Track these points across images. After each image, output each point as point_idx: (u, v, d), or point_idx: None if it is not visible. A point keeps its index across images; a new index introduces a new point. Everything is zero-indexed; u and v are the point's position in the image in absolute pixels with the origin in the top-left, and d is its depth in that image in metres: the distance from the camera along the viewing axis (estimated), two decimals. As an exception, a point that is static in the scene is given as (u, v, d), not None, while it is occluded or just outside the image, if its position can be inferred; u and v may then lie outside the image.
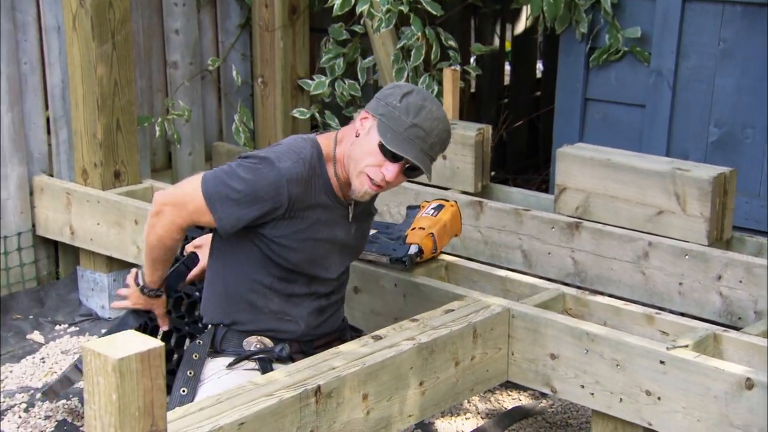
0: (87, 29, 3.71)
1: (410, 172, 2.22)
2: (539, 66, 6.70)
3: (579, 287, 3.10)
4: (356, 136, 2.23)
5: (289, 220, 2.21)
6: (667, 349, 2.39)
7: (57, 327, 3.87)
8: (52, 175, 4.04)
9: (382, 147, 2.17)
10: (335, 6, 4.09)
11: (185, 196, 2.22)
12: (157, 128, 4.23)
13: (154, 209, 2.26)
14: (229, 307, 2.33)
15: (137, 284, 2.42)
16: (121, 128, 3.86)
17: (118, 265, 3.94)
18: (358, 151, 2.20)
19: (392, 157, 2.18)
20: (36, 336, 3.79)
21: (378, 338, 2.37)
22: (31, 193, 4.00)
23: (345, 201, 2.31)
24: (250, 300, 2.31)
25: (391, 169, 2.18)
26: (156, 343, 1.60)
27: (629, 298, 3.14)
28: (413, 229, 2.90)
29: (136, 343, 1.59)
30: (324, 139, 2.30)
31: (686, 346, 2.39)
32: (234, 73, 4.56)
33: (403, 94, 2.19)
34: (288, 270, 2.29)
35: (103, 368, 1.56)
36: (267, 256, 2.25)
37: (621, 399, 2.45)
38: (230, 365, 2.31)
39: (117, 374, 1.54)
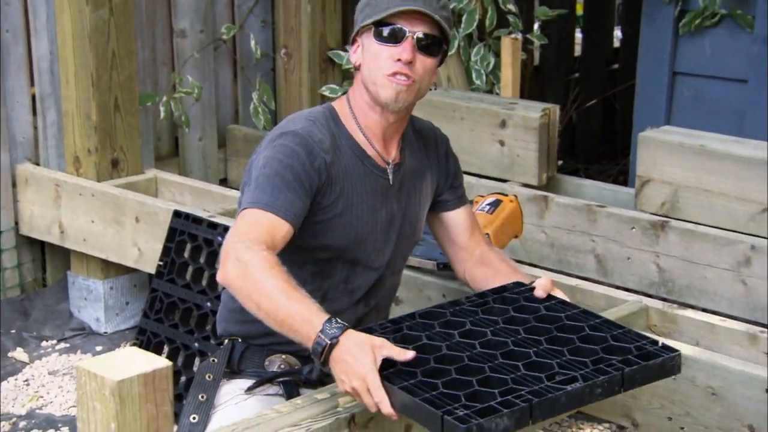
0: (80, -9, 3.76)
1: (428, 47, 2.28)
2: (617, 33, 6.65)
3: (665, 299, 3.07)
4: (358, 68, 2.35)
5: (329, 185, 2.28)
6: (774, 375, 2.36)
7: (43, 343, 3.92)
8: (38, 164, 4.09)
9: (376, 33, 2.28)
10: (373, -38, 4.09)
11: (246, 226, 2.18)
12: (162, 108, 4.26)
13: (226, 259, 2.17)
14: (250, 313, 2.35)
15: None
16: (119, 108, 3.90)
17: (115, 271, 3.98)
18: (367, 70, 2.31)
19: (393, 35, 2.26)
20: (19, 354, 3.84)
21: (424, 359, 2.37)
22: (14, 185, 4.05)
23: (379, 162, 2.36)
24: None
25: (402, 49, 2.26)
26: (162, 362, 1.62)
27: (727, 313, 3.11)
28: (466, 228, 2.90)
29: (138, 362, 1.61)
30: (336, 102, 2.41)
31: (797, 372, 2.37)
32: (252, 43, 4.59)
33: None
34: (324, 261, 2.30)
35: (100, 392, 1.58)
36: (301, 246, 2.27)
37: (717, 435, 2.43)
38: (249, 389, 2.32)
39: (116, 399, 1.56)
